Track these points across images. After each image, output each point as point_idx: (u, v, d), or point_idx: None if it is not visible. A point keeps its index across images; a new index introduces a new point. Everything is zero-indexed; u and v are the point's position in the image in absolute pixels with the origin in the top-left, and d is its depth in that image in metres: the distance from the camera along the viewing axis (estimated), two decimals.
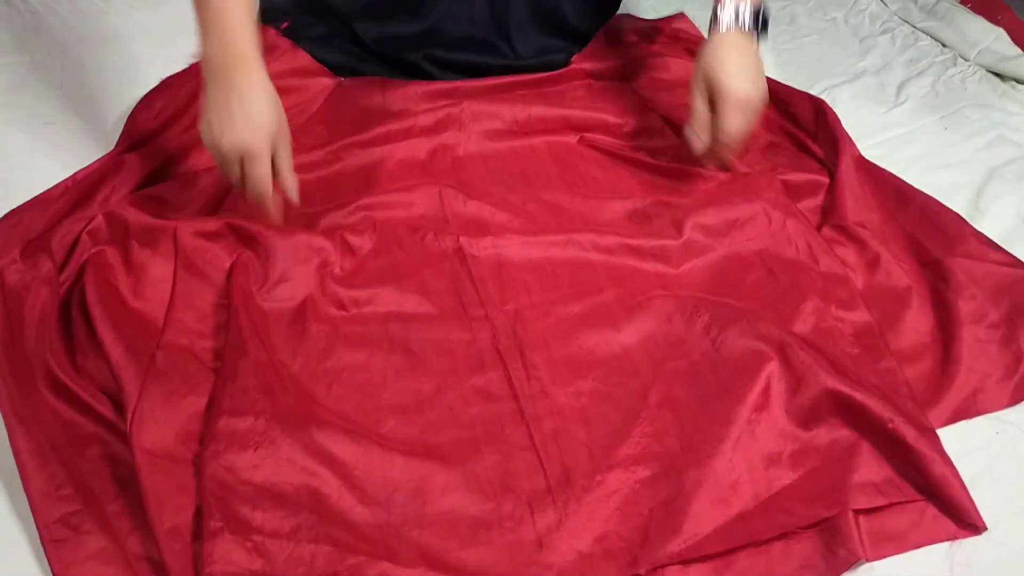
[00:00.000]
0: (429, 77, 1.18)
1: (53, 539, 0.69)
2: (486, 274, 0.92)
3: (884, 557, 0.71)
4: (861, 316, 0.88)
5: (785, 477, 0.75)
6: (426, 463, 0.75)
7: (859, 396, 0.76)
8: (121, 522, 0.70)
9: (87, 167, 0.98)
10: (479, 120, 1.12)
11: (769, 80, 1.02)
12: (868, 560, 0.70)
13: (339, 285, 0.90)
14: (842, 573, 0.69)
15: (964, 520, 0.72)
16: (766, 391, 0.79)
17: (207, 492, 0.69)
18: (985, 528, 0.72)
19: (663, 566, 0.69)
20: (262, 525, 0.69)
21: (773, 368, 0.80)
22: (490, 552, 0.70)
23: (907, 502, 0.73)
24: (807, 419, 0.78)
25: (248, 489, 0.70)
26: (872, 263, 0.94)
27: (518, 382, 0.82)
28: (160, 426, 0.73)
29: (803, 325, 0.86)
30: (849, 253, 0.96)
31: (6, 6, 1.37)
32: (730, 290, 0.91)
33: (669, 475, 0.74)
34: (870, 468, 0.74)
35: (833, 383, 0.77)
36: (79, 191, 0.95)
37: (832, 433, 0.77)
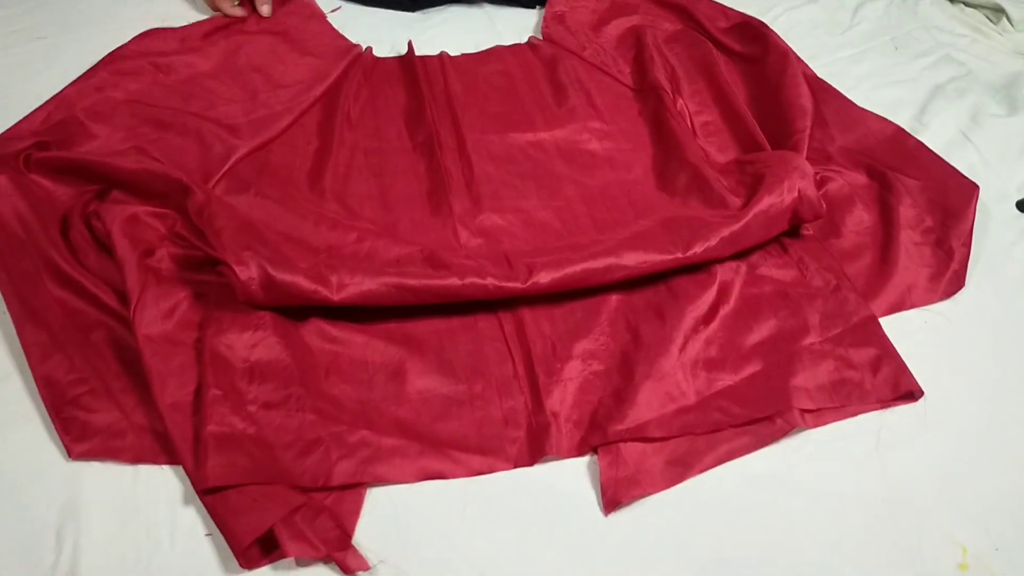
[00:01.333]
0: None
1: (63, 418, 0.75)
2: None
3: (823, 425, 0.79)
4: (804, 230, 0.96)
5: (726, 379, 0.82)
6: (404, 348, 0.83)
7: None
8: (127, 398, 0.77)
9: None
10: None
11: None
12: (808, 427, 0.78)
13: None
14: (777, 439, 0.77)
15: (902, 387, 0.81)
16: (715, 305, 0.87)
17: (207, 367, 0.76)
18: (922, 393, 0.80)
19: (608, 443, 0.77)
20: (256, 396, 0.76)
21: (724, 284, 0.89)
22: (460, 426, 0.78)
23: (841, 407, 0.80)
24: (750, 331, 0.86)
25: (245, 365, 0.77)
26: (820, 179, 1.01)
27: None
28: (161, 313, 0.80)
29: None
30: None
31: None
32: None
33: (621, 369, 0.83)
34: (808, 374, 0.82)
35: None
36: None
37: (773, 344, 0.85)
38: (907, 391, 0.81)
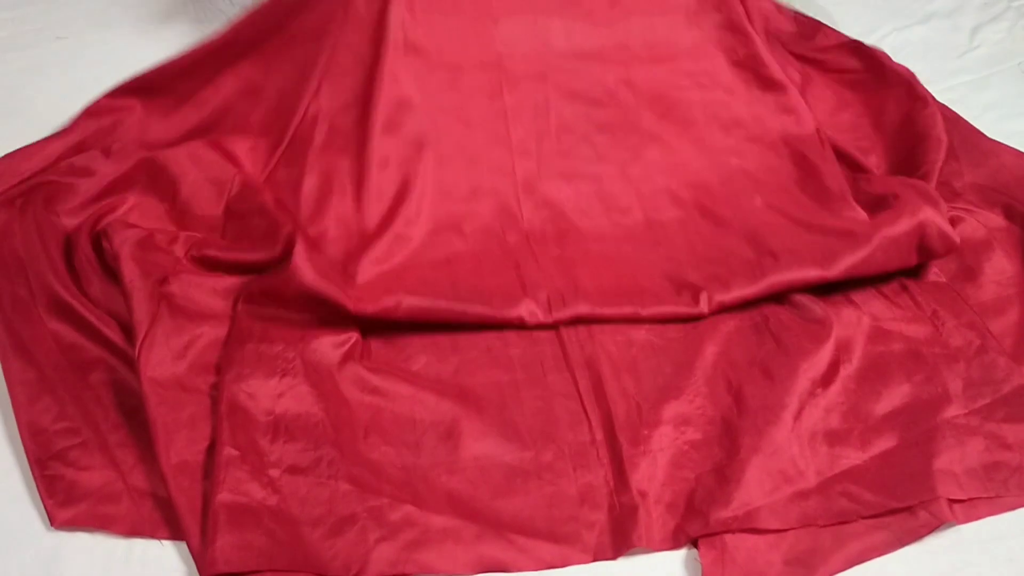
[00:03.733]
0: None
1: (47, 475, 0.63)
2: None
3: (976, 519, 0.64)
4: (935, 276, 0.82)
5: (852, 457, 0.68)
6: (459, 405, 0.70)
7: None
8: (125, 454, 0.65)
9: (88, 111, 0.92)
10: None
11: None
12: (959, 523, 0.63)
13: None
14: (922, 537, 0.63)
15: None
16: (835, 364, 0.73)
17: (223, 419, 0.64)
18: None
19: (710, 534, 0.62)
20: (280, 458, 0.64)
21: (843, 339, 0.75)
22: (526, 503, 0.64)
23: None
24: (879, 397, 0.72)
25: (268, 419, 0.65)
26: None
27: (563, 331, 0.76)
28: (172, 353, 0.68)
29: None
30: None
31: None
32: None
33: (722, 440, 0.68)
34: (954, 455, 0.67)
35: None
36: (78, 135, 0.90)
37: (908, 415, 0.71)
38: None
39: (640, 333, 0.76)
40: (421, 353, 0.73)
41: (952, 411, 0.71)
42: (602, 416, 0.70)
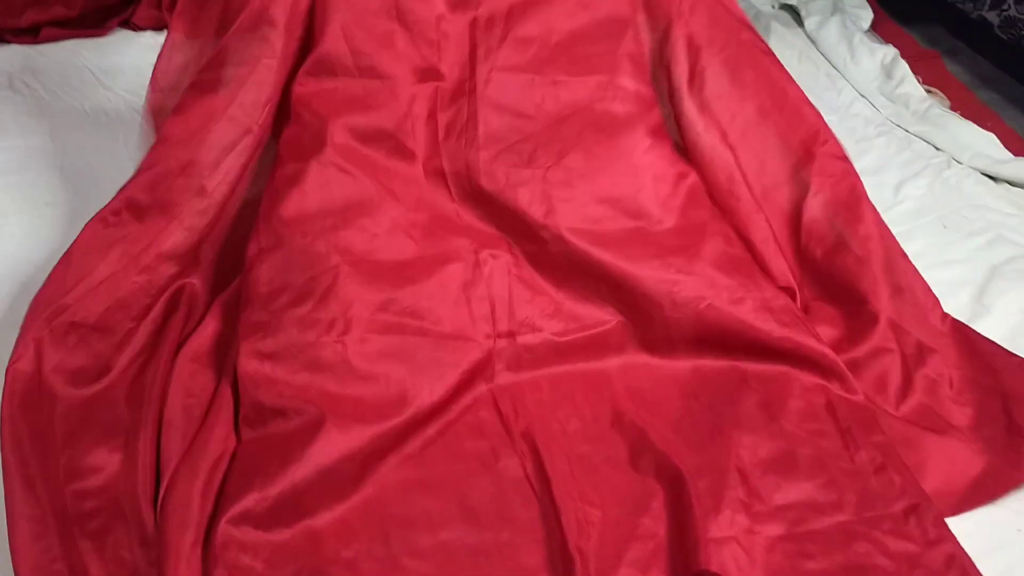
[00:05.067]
0: None
1: None
2: None
3: None
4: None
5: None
6: (421, 497, 0.77)
7: None
8: None
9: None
10: None
11: None
12: None
13: None
14: None
15: None
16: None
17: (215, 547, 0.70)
18: None
19: None
20: (264, 572, 0.69)
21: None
22: None
23: None
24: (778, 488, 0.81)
25: (251, 535, 0.71)
26: None
27: (509, 419, 0.85)
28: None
29: None
30: None
31: (9, 89, 1.38)
32: None
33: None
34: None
35: None
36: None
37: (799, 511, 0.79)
38: None
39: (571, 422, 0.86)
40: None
41: (842, 517, 0.77)
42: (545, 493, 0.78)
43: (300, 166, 0.90)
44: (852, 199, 0.99)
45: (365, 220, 0.90)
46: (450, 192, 0.95)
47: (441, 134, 0.95)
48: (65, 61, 1.46)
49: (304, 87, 0.94)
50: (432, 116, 0.95)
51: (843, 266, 0.98)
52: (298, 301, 0.85)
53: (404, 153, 0.94)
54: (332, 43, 0.92)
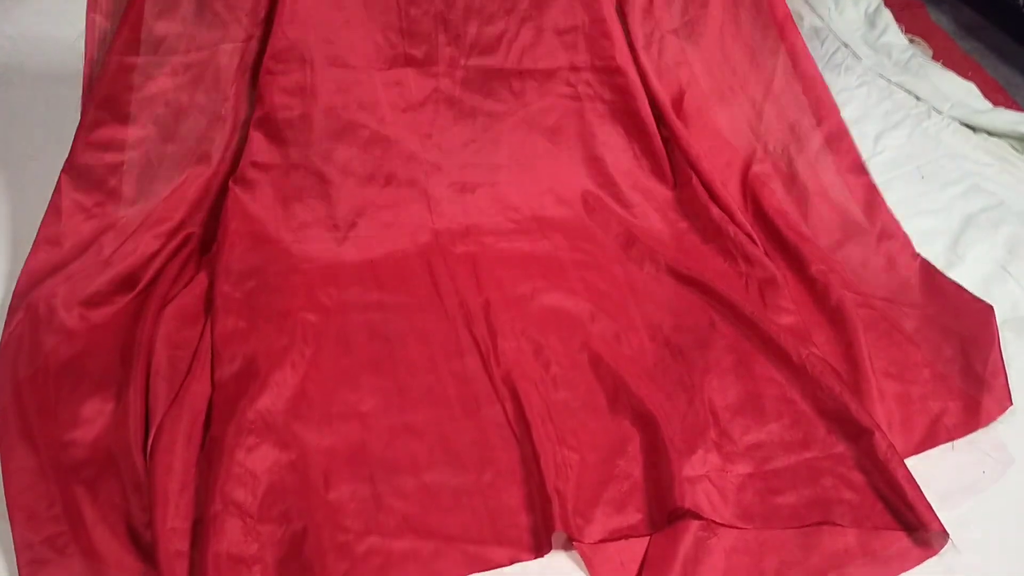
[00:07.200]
0: None
1: (35, 560, 0.68)
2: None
3: None
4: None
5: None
6: (406, 440, 0.80)
7: None
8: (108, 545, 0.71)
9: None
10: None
11: None
12: None
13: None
14: None
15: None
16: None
17: (210, 476, 0.72)
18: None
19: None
20: (253, 509, 0.72)
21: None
22: (474, 518, 0.75)
23: None
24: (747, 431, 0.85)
25: (243, 472, 0.73)
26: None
27: (491, 366, 0.87)
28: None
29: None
30: None
31: None
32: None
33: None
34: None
35: None
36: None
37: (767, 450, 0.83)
38: None
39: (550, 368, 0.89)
40: (369, 396, 0.83)
41: (808, 454, 0.81)
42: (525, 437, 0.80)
43: None
44: None
45: None
46: None
47: None
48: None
49: None
50: None
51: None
52: None
53: None
54: None
